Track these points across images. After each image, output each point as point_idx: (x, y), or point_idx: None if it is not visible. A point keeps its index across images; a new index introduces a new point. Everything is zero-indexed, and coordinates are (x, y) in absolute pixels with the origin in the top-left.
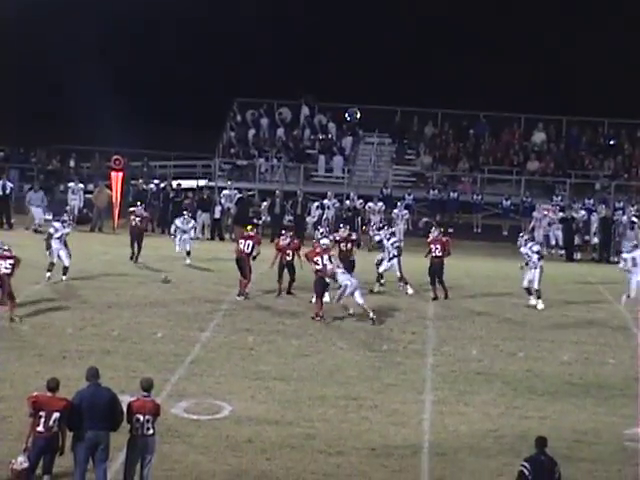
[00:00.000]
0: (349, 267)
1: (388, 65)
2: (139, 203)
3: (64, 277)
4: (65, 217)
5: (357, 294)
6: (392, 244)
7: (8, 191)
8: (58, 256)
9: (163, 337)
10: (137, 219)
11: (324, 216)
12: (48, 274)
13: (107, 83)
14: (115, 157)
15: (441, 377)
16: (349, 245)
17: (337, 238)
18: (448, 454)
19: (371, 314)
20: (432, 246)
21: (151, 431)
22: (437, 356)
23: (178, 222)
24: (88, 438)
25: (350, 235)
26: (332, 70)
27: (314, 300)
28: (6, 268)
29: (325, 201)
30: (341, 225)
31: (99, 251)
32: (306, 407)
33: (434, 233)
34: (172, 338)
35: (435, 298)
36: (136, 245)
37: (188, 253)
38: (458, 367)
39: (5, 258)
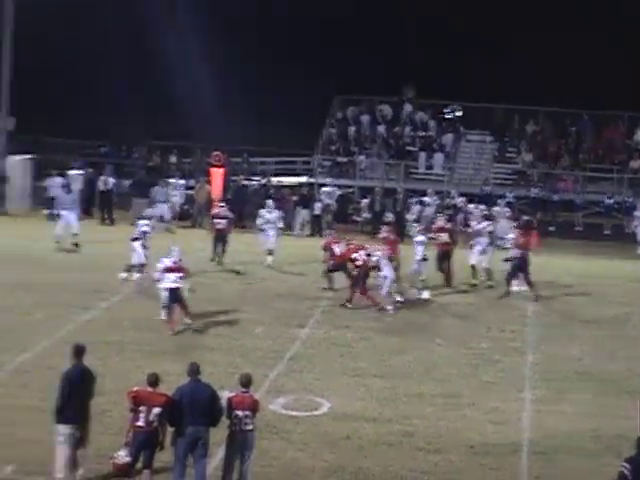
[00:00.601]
0: (445, 257)
1: (490, 62)
2: (222, 204)
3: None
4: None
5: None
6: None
7: (110, 187)
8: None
9: (262, 333)
10: (222, 221)
11: (423, 213)
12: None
13: (209, 80)
14: (215, 153)
15: (540, 375)
16: (444, 235)
17: (432, 235)
18: (547, 453)
19: (389, 307)
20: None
21: (250, 427)
22: (536, 354)
23: (263, 212)
24: (188, 434)
25: (445, 225)
26: (433, 67)
27: (352, 290)
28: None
29: (425, 198)
30: (438, 215)
31: (198, 247)
32: (403, 404)
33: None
34: (271, 334)
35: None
36: (220, 248)
37: (270, 253)
38: (557, 366)
39: (175, 270)
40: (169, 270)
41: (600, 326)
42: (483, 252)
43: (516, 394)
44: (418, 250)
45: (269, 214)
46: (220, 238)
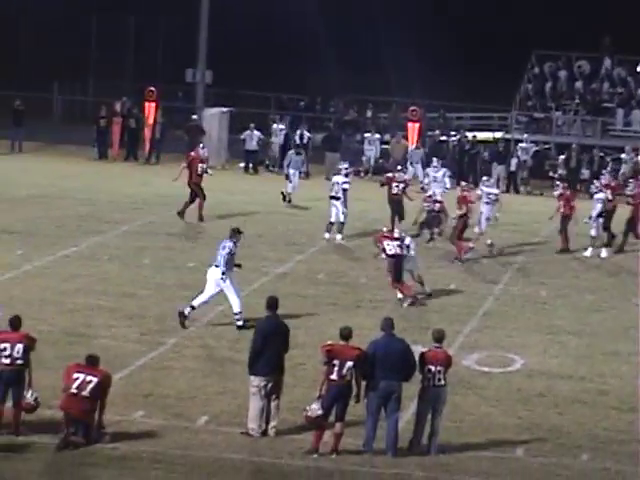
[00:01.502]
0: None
1: None
2: (399, 167)
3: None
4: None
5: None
6: None
7: (305, 141)
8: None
9: (456, 289)
10: (399, 185)
11: (621, 170)
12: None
13: (408, 33)
14: (412, 108)
15: None
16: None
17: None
18: None
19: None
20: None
21: (442, 382)
22: None
23: (429, 170)
24: (381, 388)
25: (610, 183)
26: (633, 21)
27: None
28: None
29: (623, 155)
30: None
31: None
32: (599, 363)
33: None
34: (465, 290)
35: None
36: (396, 214)
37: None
38: None
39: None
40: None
41: None
42: None
43: None
44: (596, 207)
45: (435, 172)
46: (396, 203)
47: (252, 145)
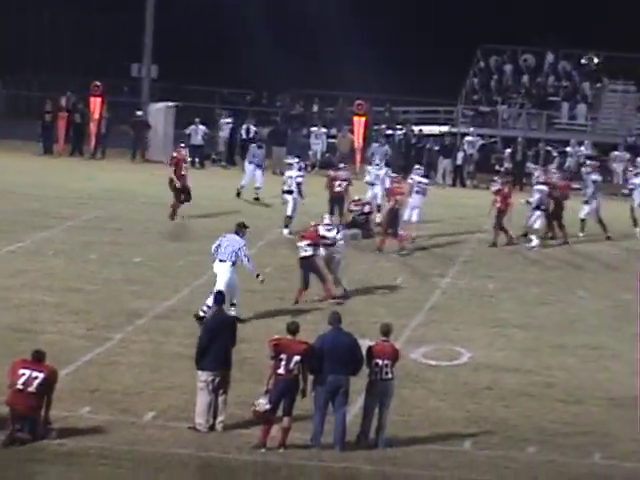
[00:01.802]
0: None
1: (634, 11)
2: (342, 165)
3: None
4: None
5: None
6: None
7: (252, 135)
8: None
9: (403, 283)
10: (342, 183)
11: (566, 164)
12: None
13: (353, 29)
14: (358, 102)
15: None
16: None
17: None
18: None
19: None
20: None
21: (390, 375)
22: None
23: (370, 168)
24: (329, 382)
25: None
26: (578, 16)
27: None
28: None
29: (568, 149)
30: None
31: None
32: (546, 355)
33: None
34: (412, 284)
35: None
36: (337, 210)
37: (378, 209)
38: None
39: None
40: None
41: None
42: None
43: None
44: (534, 196)
45: (377, 170)
46: (337, 200)
47: (197, 140)
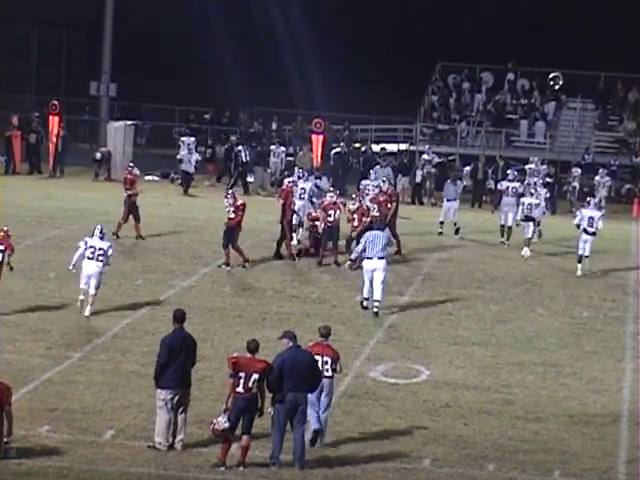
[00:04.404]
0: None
1: (590, 29)
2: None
3: None
4: None
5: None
6: None
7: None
8: None
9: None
10: (231, 209)
11: (526, 181)
12: None
13: (313, 46)
14: (316, 120)
15: None
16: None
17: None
18: None
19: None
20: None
21: (329, 373)
22: (638, 324)
23: (322, 183)
24: (288, 400)
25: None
26: (536, 34)
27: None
28: None
29: (528, 166)
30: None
31: None
32: (504, 373)
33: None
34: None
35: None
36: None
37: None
38: None
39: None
40: None
41: None
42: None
43: (617, 364)
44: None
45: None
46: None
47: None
